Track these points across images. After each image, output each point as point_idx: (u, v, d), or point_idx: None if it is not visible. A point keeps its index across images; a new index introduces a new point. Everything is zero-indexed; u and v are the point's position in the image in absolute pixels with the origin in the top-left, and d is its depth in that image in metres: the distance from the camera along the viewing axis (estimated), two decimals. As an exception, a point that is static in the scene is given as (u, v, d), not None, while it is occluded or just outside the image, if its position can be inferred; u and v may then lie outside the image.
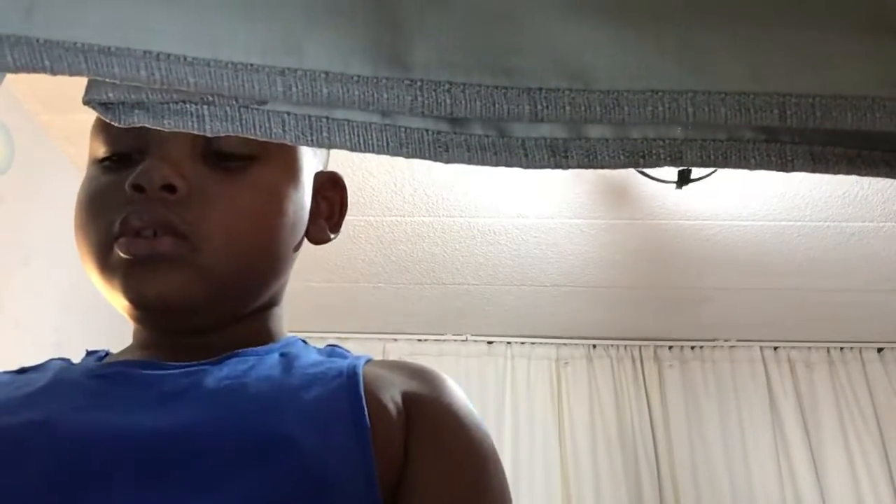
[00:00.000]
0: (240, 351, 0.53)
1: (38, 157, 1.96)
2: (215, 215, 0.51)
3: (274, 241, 0.55)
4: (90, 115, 0.43)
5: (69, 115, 1.92)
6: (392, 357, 3.01)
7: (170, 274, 0.50)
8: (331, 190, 0.64)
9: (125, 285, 0.50)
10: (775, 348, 3.08)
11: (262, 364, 0.51)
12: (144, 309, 0.51)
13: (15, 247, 1.85)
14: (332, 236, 0.63)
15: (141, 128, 0.40)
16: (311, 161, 0.61)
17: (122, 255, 0.49)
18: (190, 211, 0.50)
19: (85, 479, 0.40)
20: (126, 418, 0.44)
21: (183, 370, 0.50)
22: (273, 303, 0.60)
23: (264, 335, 0.58)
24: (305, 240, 0.61)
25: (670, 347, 3.09)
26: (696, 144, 0.37)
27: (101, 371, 0.51)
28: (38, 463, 0.41)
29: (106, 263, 0.51)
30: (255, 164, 0.54)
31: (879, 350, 3.06)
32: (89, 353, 0.58)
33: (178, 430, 0.43)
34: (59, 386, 0.50)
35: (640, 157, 0.36)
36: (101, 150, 0.54)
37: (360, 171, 2.14)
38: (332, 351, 0.58)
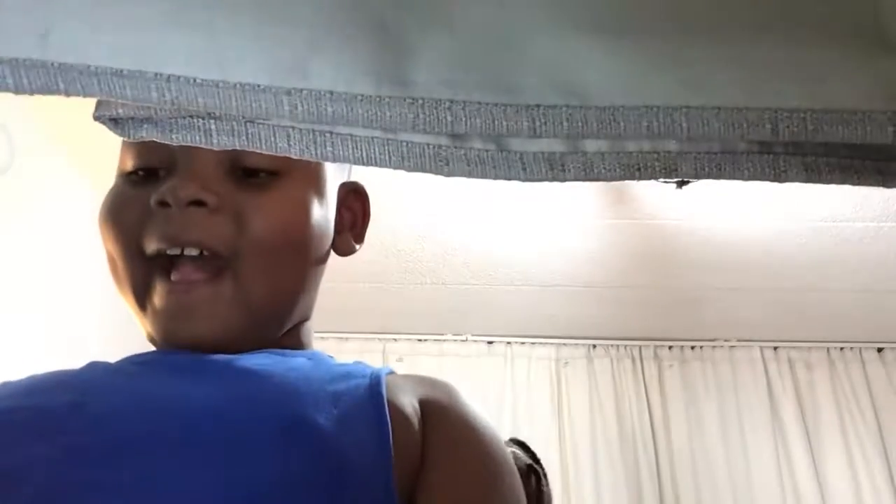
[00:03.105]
0: (267, 350, 0.55)
1: (38, 157, 1.96)
2: (249, 229, 0.52)
3: (306, 255, 0.56)
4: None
5: (69, 115, 1.93)
6: (392, 357, 3.03)
7: (208, 318, 0.51)
8: (353, 200, 0.65)
9: (169, 334, 0.51)
10: (775, 348, 3.08)
11: (289, 360, 0.53)
12: (179, 348, 0.52)
13: (15, 247, 1.86)
14: (358, 247, 0.64)
15: (167, 144, 0.42)
16: (335, 174, 0.62)
17: (161, 303, 0.51)
18: (222, 226, 0.51)
19: (116, 452, 0.42)
20: (155, 394, 0.46)
21: (215, 357, 0.51)
22: (304, 318, 0.61)
23: (293, 348, 0.59)
24: (332, 253, 0.62)
25: (670, 347, 3.10)
26: (691, 157, 0.37)
27: (137, 359, 0.53)
28: (73, 436, 0.42)
29: (144, 306, 0.52)
30: (280, 178, 0.55)
31: (879, 350, 3.06)
32: None
33: (205, 405, 0.45)
34: (94, 370, 0.51)
35: (636, 169, 0.37)
36: (129, 164, 0.55)
37: (361, 170, 2.15)
38: (357, 363, 0.59)
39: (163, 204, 0.51)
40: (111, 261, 0.54)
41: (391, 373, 0.55)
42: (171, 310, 0.51)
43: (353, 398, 0.48)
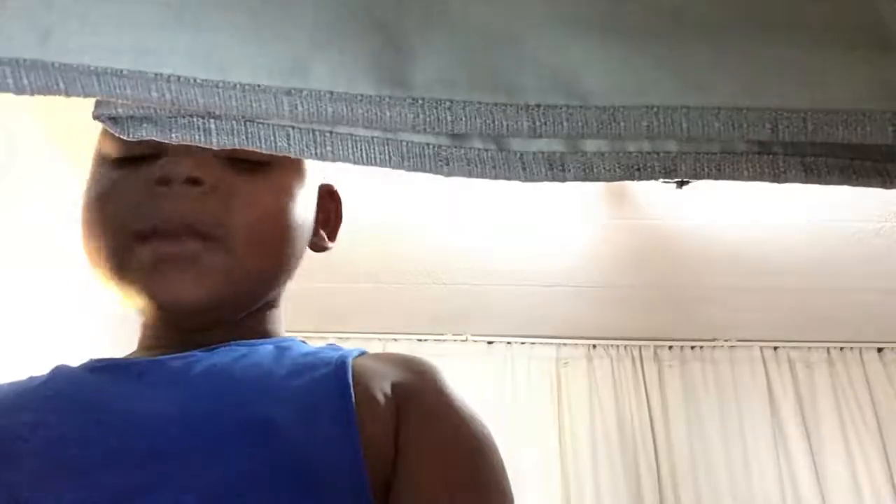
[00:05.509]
0: (233, 342, 0.54)
1: (38, 157, 1.97)
2: (240, 211, 0.53)
3: (290, 242, 0.58)
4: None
5: (69, 115, 1.93)
6: (392, 357, 3.02)
7: (199, 276, 0.51)
8: (328, 202, 0.68)
9: (152, 288, 0.51)
10: (775, 348, 3.08)
11: (254, 353, 0.52)
12: (170, 310, 0.52)
13: (15, 247, 1.86)
14: (330, 245, 0.67)
15: None
16: (317, 171, 0.64)
17: (148, 258, 0.50)
18: (215, 206, 0.52)
19: (78, 469, 0.42)
20: (115, 408, 0.46)
21: (173, 358, 0.51)
22: (273, 304, 0.62)
23: (262, 334, 0.59)
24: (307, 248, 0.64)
25: (670, 347, 3.10)
26: (691, 157, 0.38)
27: (98, 365, 0.53)
28: (37, 458, 0.43)
29: (126, 266, 0.51)
30: (271, 167, 0.56)
31: (879, 350, 3.06)
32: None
33: (163, 417, 0.45)
34: (53, 383, 0.51)
35: (636, 169, 0.37)
36: (114, 151, 0.54)
37: (360, 170, 2.15)
38: (329, 346, 0.58)
39: (163, 181, 0.51)
40: (97, 245, 0.53)
41: (362, 354, 0.55)
42: (163, 263, 0.50)
43: (316, 391, 0.47)
